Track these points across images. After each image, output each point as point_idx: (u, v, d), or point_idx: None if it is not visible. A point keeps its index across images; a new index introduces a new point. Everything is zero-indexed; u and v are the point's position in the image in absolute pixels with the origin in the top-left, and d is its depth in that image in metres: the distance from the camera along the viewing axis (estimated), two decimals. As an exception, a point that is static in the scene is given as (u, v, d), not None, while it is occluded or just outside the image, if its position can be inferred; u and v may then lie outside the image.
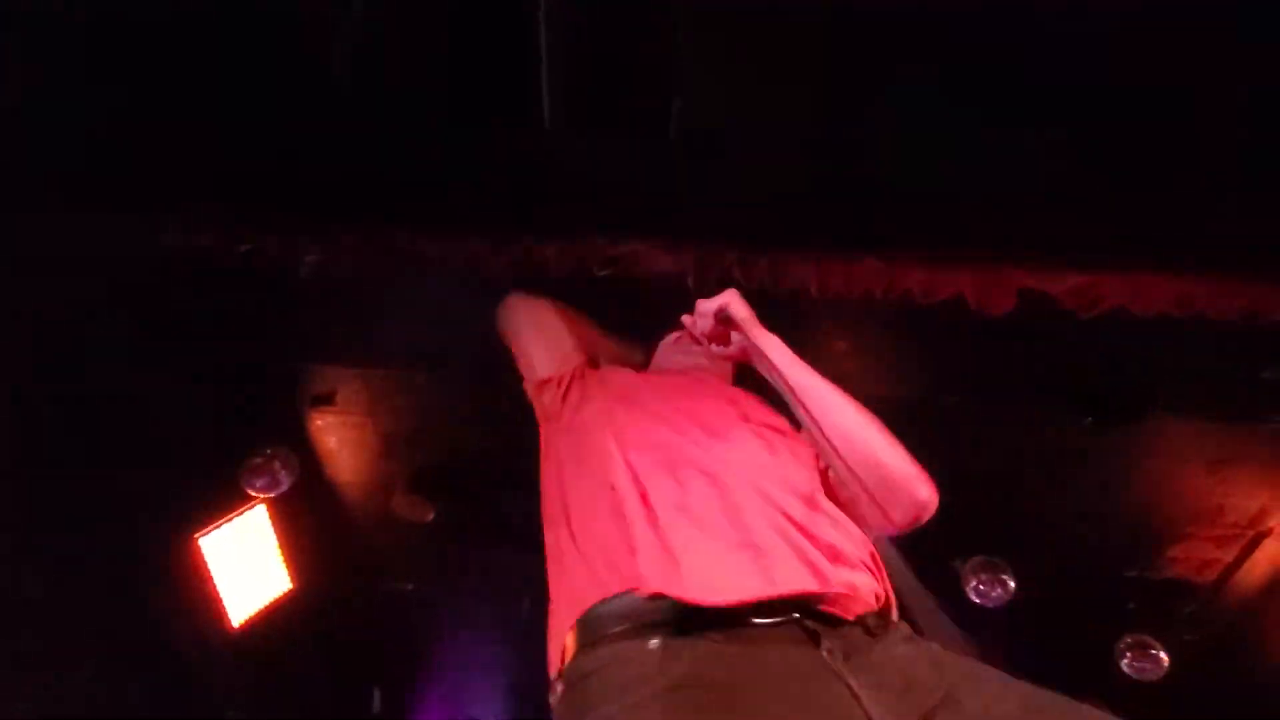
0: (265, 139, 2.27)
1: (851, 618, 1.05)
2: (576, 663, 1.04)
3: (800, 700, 0.94)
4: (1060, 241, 2.27)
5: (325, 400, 3.14)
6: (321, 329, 2.86)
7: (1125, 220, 2.23)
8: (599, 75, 2.14)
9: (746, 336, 1.42)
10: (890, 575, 1.21)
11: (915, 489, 1.25)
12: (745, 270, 2.31)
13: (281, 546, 3.46)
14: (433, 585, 4.02)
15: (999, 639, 3.33)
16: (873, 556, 1.21)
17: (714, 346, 1.50)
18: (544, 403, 1.53)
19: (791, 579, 1.03)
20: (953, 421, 2.90)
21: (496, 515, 3.37)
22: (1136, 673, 3.56)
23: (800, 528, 1.12)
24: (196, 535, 3.10)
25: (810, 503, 1.20)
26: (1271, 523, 3.22)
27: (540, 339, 1.64)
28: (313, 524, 3.55)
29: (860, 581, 1.11)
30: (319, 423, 3.28)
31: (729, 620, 0.99)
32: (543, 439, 1.49)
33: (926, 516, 1.26)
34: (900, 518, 1.26)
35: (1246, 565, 3.41)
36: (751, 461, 1.25)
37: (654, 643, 0.98)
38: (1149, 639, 3.58)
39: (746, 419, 1.38)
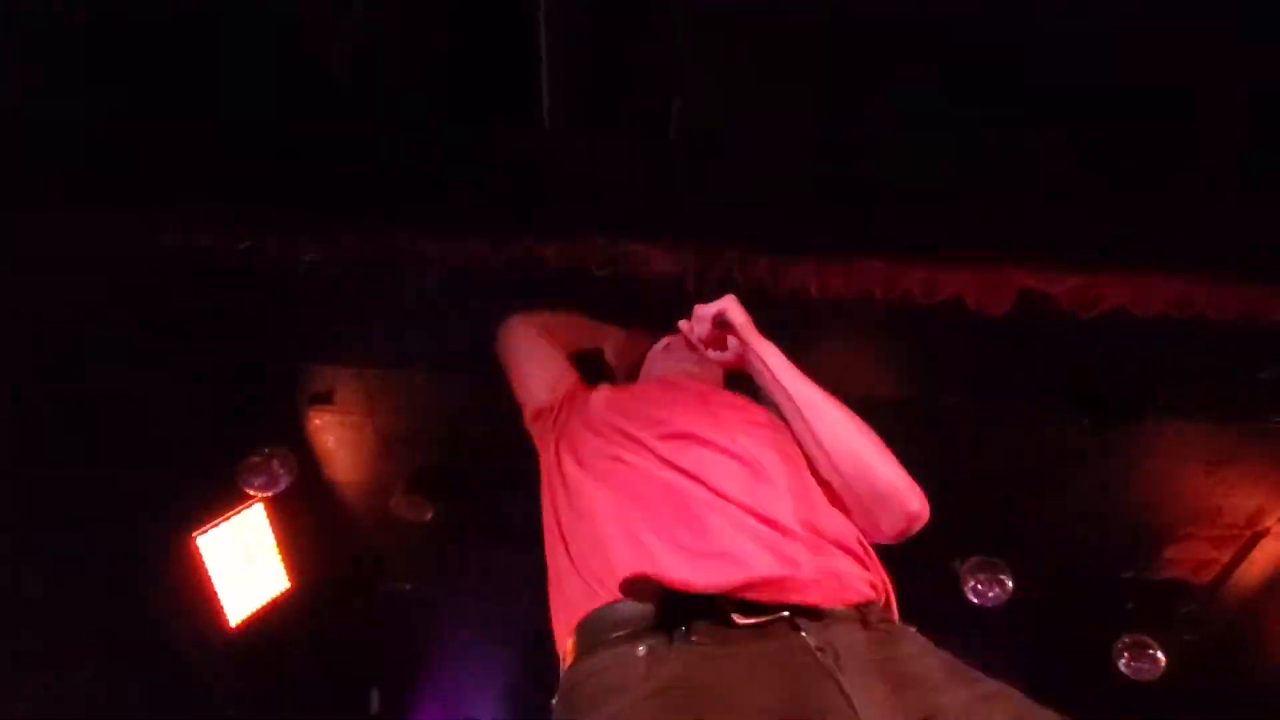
0: (265, 139, 2.27)
1: (842, 606, 1.06)
2: (572, 669, 1.07)
3: (788, 699, 0.94)
4: (1060, 241, 2.27)
5: (324, 399, 3.14)
6: (321, 329, 2.86)
7: (1125, 220, 2.22)
8: (599, 75, 2.14)
9: (743, 342, 1.43)
10: None
11: (906, 500, 1.26)
12: (745, 270, 2.31)
13: (279, 546, 3.45)
14: (432, 585, 4.02)
15: (997, 639, 3.34)
16: (862, 545, 1.21)
17: (710, 352, 1.50)
18: (539, 431, 1.56)
19: (772, 566, 1.06)
20: (952, 421, 2.91)
21: (496, 515, 3.37)
22: (1134, 673, 3.56)
23: (776, 524, 1.13)
24: (194, 534, 3.09)
25: (797, 496, 1.21)
26: (1269, 523, 3.23)
27: (532, 370, 1.67)
28: (311, 523, 3.55)
29: (844, 568, 1.12)
30: (317, 422, 3.28)
31: (716, 624, 1.00)
32: (542, 469, 1.50)
33: (917, 528, 1.27)
34: (890, 528, 1.27)
35: (1244, 565, 3.42)
36: (738, 468, 1.26)
37: (642, 649, 1.00)
38: (1147, 639, 3.58)
39: (736, 422, 1.38)
